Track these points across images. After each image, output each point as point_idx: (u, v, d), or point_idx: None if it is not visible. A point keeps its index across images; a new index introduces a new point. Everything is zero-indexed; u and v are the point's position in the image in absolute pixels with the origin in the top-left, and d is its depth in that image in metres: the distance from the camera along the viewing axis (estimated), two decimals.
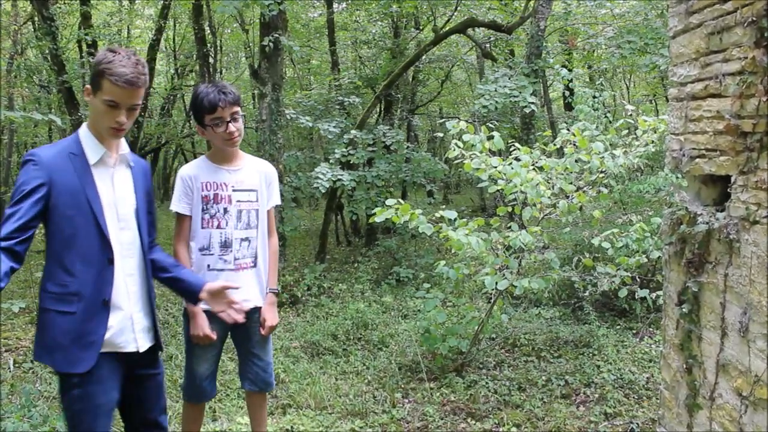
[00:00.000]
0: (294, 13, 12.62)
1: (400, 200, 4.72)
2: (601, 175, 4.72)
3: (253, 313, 3.28)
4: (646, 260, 4.89)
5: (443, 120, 5.56)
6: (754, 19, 2.28)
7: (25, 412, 3.87)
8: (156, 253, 2.74)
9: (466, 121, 4.87)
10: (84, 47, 9.37)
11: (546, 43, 9.14)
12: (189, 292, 2.75)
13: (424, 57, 10.84)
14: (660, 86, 15.05)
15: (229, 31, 16.16)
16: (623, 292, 4.86)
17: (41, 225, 2.38)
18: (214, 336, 3.17)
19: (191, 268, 3.17)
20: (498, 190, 4.82)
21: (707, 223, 2.65)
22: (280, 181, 7.23)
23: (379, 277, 8.50)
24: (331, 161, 8.46)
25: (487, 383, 4.86)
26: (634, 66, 12.32)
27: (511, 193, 4.70)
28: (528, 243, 4.49)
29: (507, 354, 5.56)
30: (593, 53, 12.42)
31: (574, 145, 4.68)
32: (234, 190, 3.23)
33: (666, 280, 3.10)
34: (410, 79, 13.12)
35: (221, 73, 18.20)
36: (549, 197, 4.58)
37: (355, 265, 9.20)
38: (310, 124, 8.97)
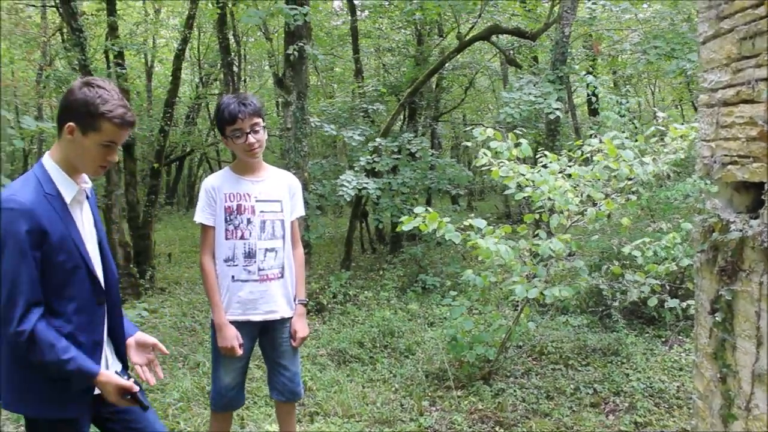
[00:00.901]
0: (318, 21, 12.70)
1: (428, 208, 4.71)
2: (630, 183, 4.69)
3: (281, 324, 3.30)
4: (675, 268, 4.83)
5: (469, 127, 5.57)
6: None
7: None
8: None
9: (493, 128, 4.85)
10: (111, 57, 9.52)
11: (570, 48, 9.11)
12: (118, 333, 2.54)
13: (447, 64, 10.84)
14: (686, 91, 14.88)
15: (252, 39, 16.35)
16: (653, 301, 4.81)
17: None
18: (241, 351, 3.19)
19: (216, 279, 3.20)
20: (525, 198, 4.80)
21: (740, 230, 2.61)
22: (305, 189, 7.28)
23: (404, 285, 8.49)
24: (356, 169, 8.49)
25: (514, 391, 4.83)
26: (660, 71, 12.20)
27: (538, 201, 4.68)
28: (558, 251, 4.47)
29: (534, 362, 5.53)
30: (617, 59, 12.33)
31: (603, 152, 4.65)
32: (257, 201, 3.24)
33: (698, 288, 3.06)
34: (434, 87, 13.14)
35: (245, 81, 18.38)
36: (577, 204, 4.56)
37: (381, 272, 9.20)
38: (335, 132, 9.02)
